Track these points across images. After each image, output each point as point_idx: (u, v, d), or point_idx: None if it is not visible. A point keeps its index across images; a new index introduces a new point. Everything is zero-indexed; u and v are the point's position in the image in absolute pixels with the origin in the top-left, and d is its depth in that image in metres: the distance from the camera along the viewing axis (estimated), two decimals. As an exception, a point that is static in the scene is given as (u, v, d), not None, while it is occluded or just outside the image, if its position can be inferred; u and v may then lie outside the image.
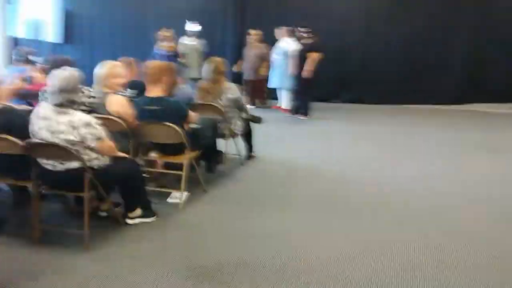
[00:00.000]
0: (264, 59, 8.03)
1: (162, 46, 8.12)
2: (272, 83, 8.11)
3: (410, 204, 3.69)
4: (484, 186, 4.17)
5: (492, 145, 5.77)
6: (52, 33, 10.52)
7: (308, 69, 7.06)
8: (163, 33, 8.16)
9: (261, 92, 8.34)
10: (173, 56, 7.94)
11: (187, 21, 8.39)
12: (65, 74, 2.75)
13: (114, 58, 8.95)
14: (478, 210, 3.59)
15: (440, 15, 8.41)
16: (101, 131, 2.81)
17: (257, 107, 8.16)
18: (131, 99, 3.73)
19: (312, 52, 7.06)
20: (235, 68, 8.31)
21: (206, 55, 8.41)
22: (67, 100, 2.71)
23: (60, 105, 2.71)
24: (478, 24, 8.22)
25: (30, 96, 4.35)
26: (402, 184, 4.18)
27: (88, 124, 2.73)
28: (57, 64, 3.99)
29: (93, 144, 2.76)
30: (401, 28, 8.69)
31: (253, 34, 8.05)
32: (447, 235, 3.09)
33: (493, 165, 4.89)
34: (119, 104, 3.48)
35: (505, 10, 8.07)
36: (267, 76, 8.14)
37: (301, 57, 7.16)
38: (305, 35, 7.19)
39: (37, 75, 4.58)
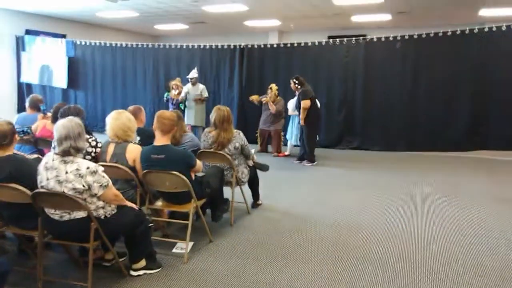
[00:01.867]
0: (281, 114, 8.24)
1: (173, 94, 8.51)
2: (291, 137, 8.26)
3: (415, 255, 3.62)
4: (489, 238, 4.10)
5: (497, 193, 5.71)
6: (59, 79, 10.88)
7: (300, 117, 7.31)
8: (175, 82, 8.57)
9: (277, 143, 8.37)
10: (179, 104, 8.40)
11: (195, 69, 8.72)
12: (69, 122, 2.81)
13: (116, 103, 9.33)
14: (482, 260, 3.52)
15: (443, 62, 8.57)
16: (107, 179, 2.84)
17: (273, 156, 8.22)
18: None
19: (303, 100, 7.24)
20: (253, 98, 8.33)
21: (209, 103, 8.69)
22: (72, 148, 2.74)
23: (65, 153, 2.74)
24: (481, 71, 8.35)
25: (41, 144, 4.43)
26: (409, 234, 4.12)
27: (94, 172, 2.75)
28: (62, 113, 4.11)
29: (99, 192, 2.78)
30: (404, 76, 8.86)
31: (273, 89, 8.17)
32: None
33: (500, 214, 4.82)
34: (138, 153, 3.53)
35: (506, 56, 8.21)
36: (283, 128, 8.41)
37: (298, 107, 7.40)
38: (297, 86, 7.42)
39: (45, 122, 4.70)
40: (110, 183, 2.87)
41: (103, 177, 2.81)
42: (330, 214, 4.76)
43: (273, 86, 8.18)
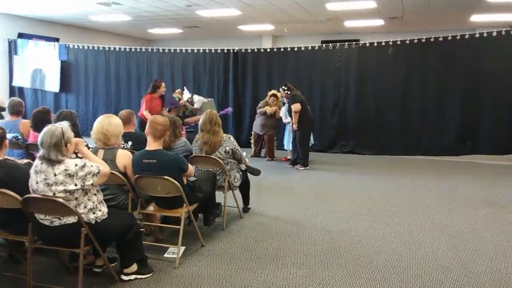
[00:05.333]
0: (277, 119, 8.27)
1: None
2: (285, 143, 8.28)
3: (406, 259, 3.65)
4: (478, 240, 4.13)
5: (487, 197, 5.77)
6: (51, 83, 10.84)
7: (293, 121, 7.35)
8: (177, 94, 8.56)
9: (270, 148, 8.38)
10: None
11: (185, 88, 8.74)
12: (48, 130, 2.78)
13: (109, 108, 9.24)
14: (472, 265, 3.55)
15: (435, 67, 8.65)
16: (96, 165, 2.85)
17: (267, 160, 8.24)
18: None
19: (293, 104, 7.29)
20: (269, 110, 8.22)
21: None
22: (44, 158, 2.73)
23: (50, 158, 2.72)
24: (473, 77, 8.43)
25: (32, 148, 4.41)
26: (399, 238, 4.14)
27: (82, 166, 2.77)
28: (41, 119, 4.09)
29: (94, 181, 2.79)
30: (397, 81, 8.93)
31: (275, 95, 8.18)
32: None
33: (490, 218, 4.86)
34: (128, 158, 3.52)
35: (497, 62, 8.29)
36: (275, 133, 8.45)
37: (290, 112, 7.47)
38: (286, 92, 7.49)
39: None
40: (100, 167, 2.88)
41: (91, 166, 2.82)
42: (322, 218, 4.78)
43: (277, 93, 8.19)
